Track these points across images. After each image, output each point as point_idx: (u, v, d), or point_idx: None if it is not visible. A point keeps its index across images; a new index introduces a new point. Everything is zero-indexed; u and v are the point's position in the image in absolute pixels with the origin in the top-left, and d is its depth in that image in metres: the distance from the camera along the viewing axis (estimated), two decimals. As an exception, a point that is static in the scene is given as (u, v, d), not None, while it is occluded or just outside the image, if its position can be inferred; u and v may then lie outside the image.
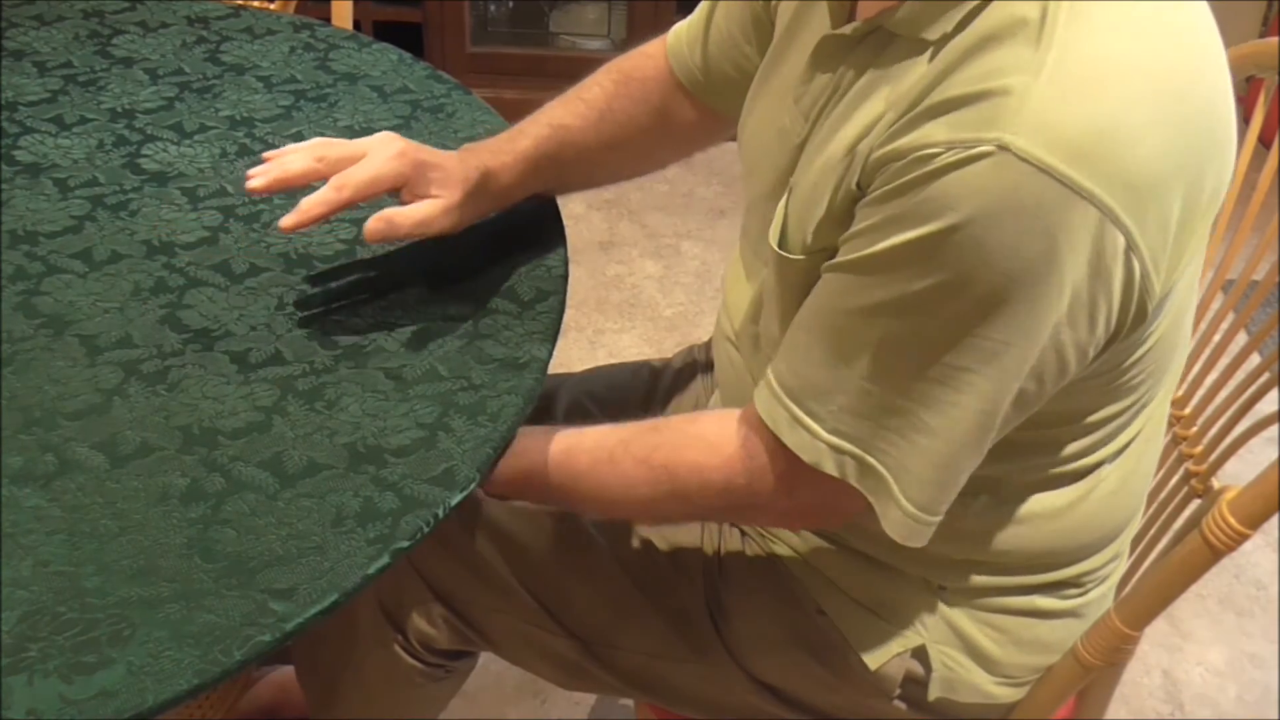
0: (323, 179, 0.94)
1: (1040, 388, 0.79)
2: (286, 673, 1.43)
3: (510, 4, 2.79)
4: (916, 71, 0.77)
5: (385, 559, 0.78)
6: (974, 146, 0.70)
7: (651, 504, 0.92)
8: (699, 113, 1.12)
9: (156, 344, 0.93)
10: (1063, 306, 0.74)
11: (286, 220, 0.92)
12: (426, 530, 0.81)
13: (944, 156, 0.71)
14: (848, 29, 0.84)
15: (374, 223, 0.93)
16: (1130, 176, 0.71)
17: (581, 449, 0.93)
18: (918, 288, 0.74)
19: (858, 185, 0.79)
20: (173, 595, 0.75)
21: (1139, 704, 1.71)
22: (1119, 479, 0.93)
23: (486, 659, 1.25)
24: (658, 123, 1.12)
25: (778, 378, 0.85)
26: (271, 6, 1.59)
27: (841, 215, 0.81)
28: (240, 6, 1.40)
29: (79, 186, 1.09)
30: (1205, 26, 0.78)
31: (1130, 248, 0.72)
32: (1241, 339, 1.14)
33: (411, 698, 1.18)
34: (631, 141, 1.12)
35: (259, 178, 0.94)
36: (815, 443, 0.82)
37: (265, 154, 0.97)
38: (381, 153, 0.95)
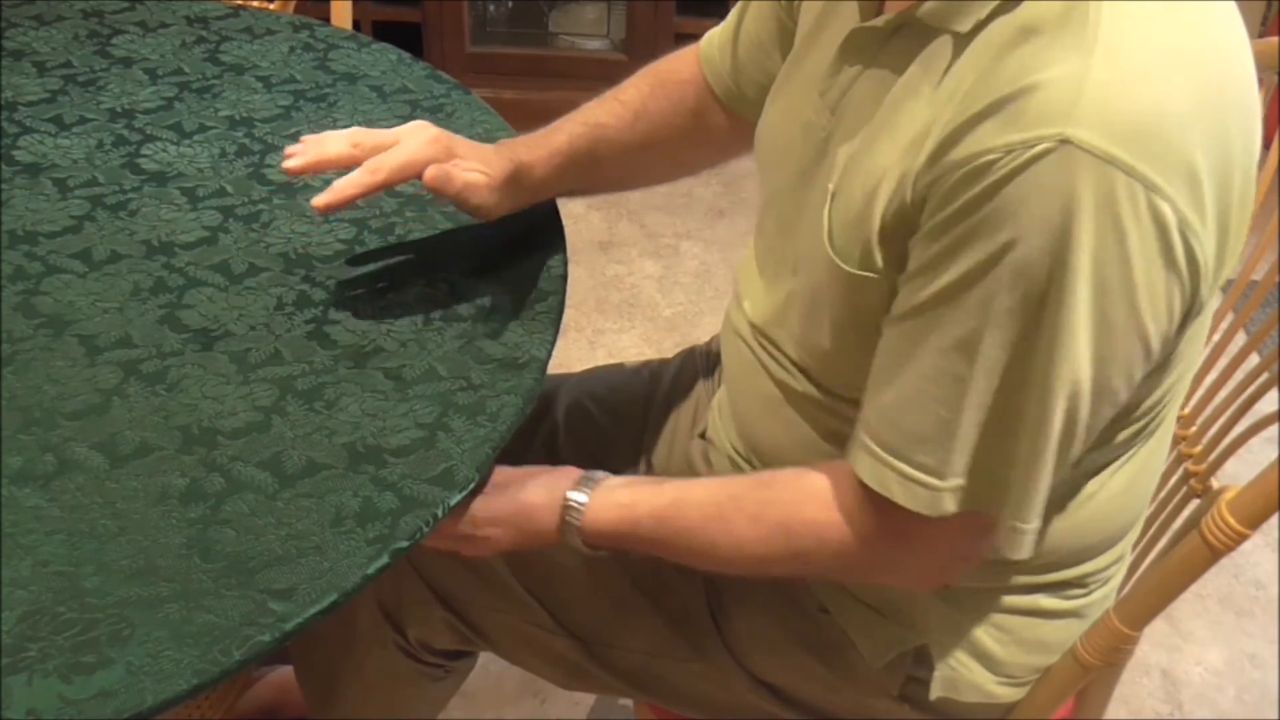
0: (357, 163, 0.96)
1: (1129, 383, 0.77)
2: (286, 673, 1.42)
3: (509, 4, 2.78)
4: (956, 70, 0.76)
5: (385, 559, 0.78)
6: (1034, 145, 0.69)
7: (767, 563, 0.90)
8: (730, 120, 1.11)
9: (156, 344, 0.93)
10: (1144, 299, 0.72)
11: (320, 199, 0.94)
12: (426, 530, 0.81)
13: (1004, 162, 0.69)
14: (879, 21, 0.83)
15: (434, 169, 0.96)
16: (1186, 164, 0.70)
17: (689, 503, 0.91)
18: (1001, 306, 0.72)
19: (910, 203, 0.77)
20: (172, 595, 0.75)
21: (1138, 704, 1.71)
22: (1126, 480, 0.92)
23: (486, 659, 1.25)
24: (692, 125, 1.12)
25: (874, 438, 0.81)
26: (271, 6, 1.59)
27: (895, 229, 0.79)
28: (240, 6, 1.40)
29: (78, 186, 1.09)
30: (1235, 20, 0.78)
31: (1191, 233, 0.71)
32: (1241, 339, 1.14)
33: (411, 697, 1.18)
34: (666, 143, 1.12)
35: (296, 159, 0.96)
36: (934, 494, 0.80)
37: (303, 137, 0.98)
38: (416, 138, 0.98)
